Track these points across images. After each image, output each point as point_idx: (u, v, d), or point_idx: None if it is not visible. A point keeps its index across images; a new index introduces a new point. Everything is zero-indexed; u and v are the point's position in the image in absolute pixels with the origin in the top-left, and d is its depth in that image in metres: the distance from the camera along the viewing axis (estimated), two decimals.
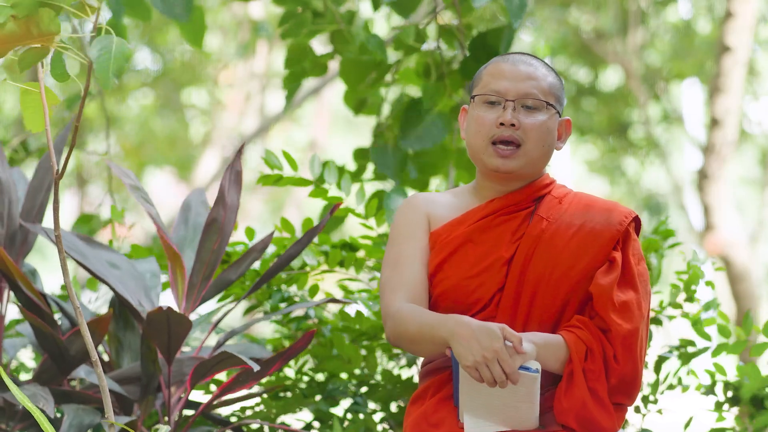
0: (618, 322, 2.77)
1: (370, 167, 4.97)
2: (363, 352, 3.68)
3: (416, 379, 3.62)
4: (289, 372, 3.72)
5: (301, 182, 3.64)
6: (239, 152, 3.35)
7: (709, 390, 3.57)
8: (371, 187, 5.05)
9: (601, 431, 2.75)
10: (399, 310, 2.81)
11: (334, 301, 3.52)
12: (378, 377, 3.63)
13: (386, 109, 4.86)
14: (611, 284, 2.79)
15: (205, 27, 5.17)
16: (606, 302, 2.78)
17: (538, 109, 2.86)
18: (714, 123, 8.19)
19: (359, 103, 4.86)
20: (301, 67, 4.84)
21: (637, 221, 2.90)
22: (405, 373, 3.72)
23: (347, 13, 4.71)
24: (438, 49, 4.51)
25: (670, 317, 3.63)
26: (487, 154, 2.86)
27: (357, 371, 3.62)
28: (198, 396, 3.70)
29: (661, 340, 3.72)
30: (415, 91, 4.93)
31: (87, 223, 5.25)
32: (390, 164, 4.70)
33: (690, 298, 3.59)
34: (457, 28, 4.48)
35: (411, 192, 4.61)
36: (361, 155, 4.99)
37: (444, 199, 2.97)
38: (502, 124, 2.84)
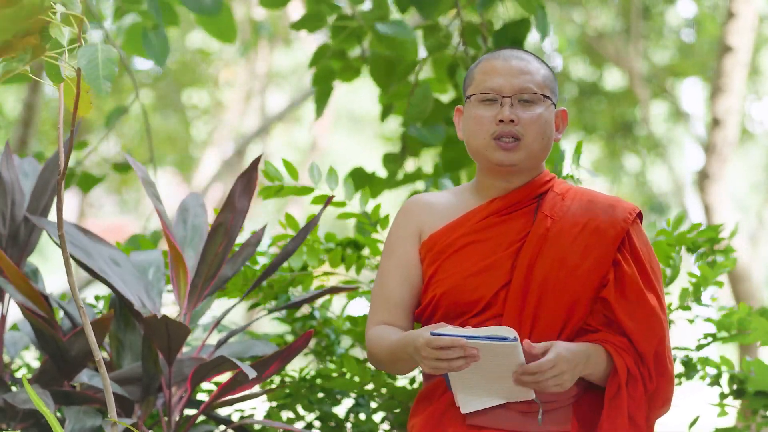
0: (648, 334, 2.79)
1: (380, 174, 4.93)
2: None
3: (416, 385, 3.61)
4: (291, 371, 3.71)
5: (303, 191, 3.63)
6: (256, 161, 3.33)
7: (715, 381, 3.56)
8: (405, 192, 5.01)
9: None
10: (370, 337, 2.90)
11: (335, 290, 3.54)
12: (383, 389, 3.61)
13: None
14: (630, 306, 2.80)
15: (234, 21, 5.10)
16: (634, 323, 2.79)
17: (535, 103, 2.86)
18: (715, 123, 8.17)
19: (386, 109, 4.80)
20: (329, 69, 4.78)
21: (640, 216, 2.90)
22: (403, 382, 3.68)
23: (376, 12, 4.63)
24: (463, 45, 4.48)
25: (690, 320, 3.63)
26: (490, 149, 2.85)
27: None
28: (200, 395, 3.70)
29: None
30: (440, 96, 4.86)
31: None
32: (425, 136, 4.67)
33: (698, 300, 3.59)
34: (481, 24, 4.47)
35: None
36: (390, 160, 4.92)
37: (443, 200, 2.96)
38: (501, 121, 2.84)
